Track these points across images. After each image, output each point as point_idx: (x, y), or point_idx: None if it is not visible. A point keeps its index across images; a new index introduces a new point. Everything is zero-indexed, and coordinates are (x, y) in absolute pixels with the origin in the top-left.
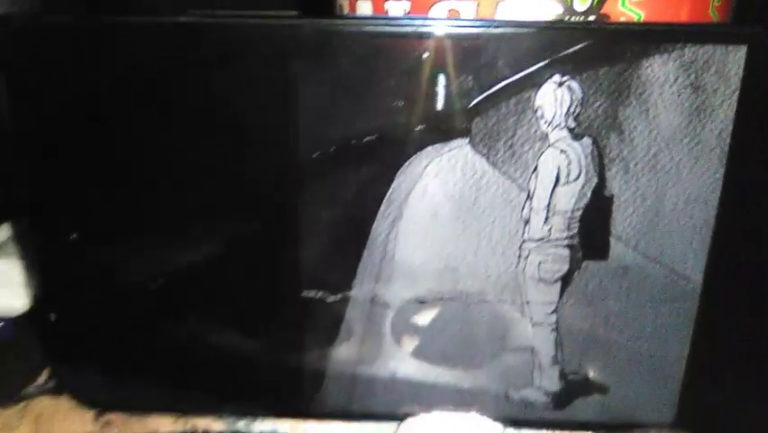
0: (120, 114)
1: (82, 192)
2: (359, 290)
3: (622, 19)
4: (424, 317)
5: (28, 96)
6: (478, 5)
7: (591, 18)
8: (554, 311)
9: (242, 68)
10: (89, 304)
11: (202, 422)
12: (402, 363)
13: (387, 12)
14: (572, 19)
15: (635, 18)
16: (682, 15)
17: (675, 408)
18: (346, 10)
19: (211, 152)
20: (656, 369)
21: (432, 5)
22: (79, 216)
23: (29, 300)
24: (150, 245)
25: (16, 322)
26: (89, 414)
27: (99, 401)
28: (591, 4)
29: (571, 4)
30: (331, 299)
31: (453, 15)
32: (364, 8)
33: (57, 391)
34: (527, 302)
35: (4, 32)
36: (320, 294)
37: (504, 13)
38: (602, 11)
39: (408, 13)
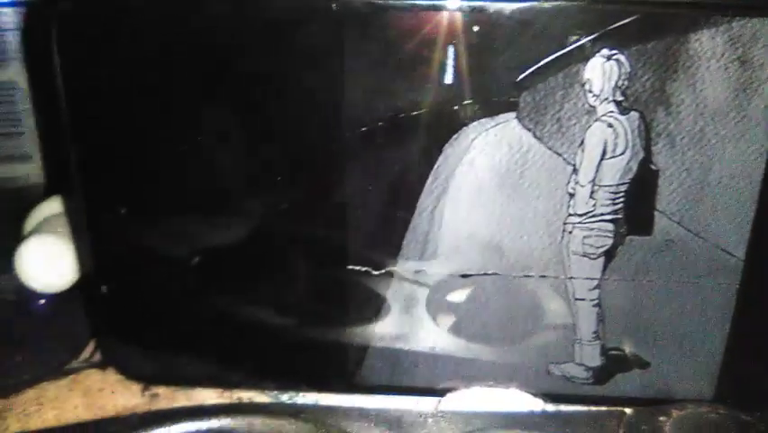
0: (168, 87)
1: (132, 167)
2: (403, 265)
3: None
4: (462, 293)
5: (81, 71)
6: None
7: None
8: (597, 287)
9: (287, 41)
10: (136, 278)
11: (246, 395)
12: (441, 338)
13: None
14: None
15: None
16: None
17: (715, 383)
18: None
19: (257, 125)
20: (697, 344)
21: None
22: (129, 190)
23: (75, 275)
24: (196, 220)
25: (60, 297)
26: (137, 387)
27: (145, 375)
28: None
29: None
30: (376, 273)
31: None
32: None
33: (103, 364)
34: (570, 277)
35: (60, 12)
36: (365, 268)
37: None
38: None
39: None
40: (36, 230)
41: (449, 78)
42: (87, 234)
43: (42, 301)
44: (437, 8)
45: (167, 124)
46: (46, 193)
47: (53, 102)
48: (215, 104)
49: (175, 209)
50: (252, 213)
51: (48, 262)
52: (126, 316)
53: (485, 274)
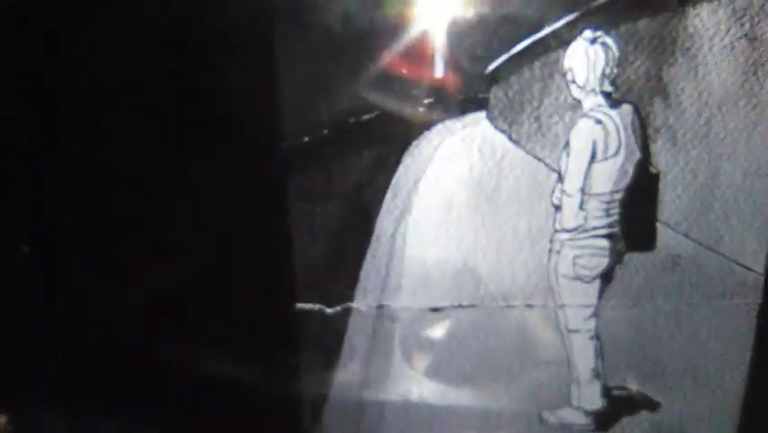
0: (73, 99)
1: (39, 197)
2: (362, 300)
3: None
4: (438, 329)
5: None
6: None
7: None
8: (593, 315)
9: (208, 32)
10: (51, 332)
11: None
12: (415, 383)
13: None
14: None
15: None
16: None
17: (737, 423)
18: None
19: (176, 141)
20: (714, 377)
21: None
22: (35, 224)
23: None
24: (114, 263)
25: None
26: None
27: None
28: None
29: None
30: (330, 311)
31: None
32: None
33: None
34: (561, 306)
35: None
36: (317, 306)
37: None
38: None
39: None
40: None
41: (404, 73)
42: None
43: None
44: None
45: (76, 147)
46: None
47: None
48: (126, 117)
49: (92, 248)
50: (178, 247)
51: None
52: (41, 378)
53: (460, 306)
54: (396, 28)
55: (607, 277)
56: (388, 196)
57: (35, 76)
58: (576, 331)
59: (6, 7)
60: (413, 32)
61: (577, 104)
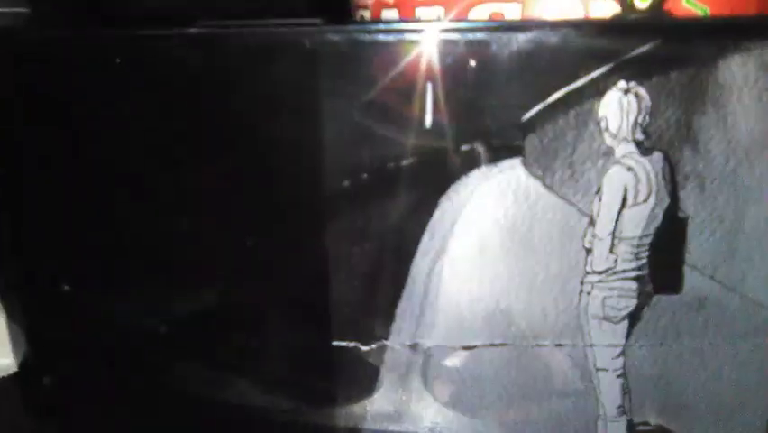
0: (121, 139)
1: (77, 232)
2: (397, 337)
3: None
4: (470, 365)
5: (12, 125)
6: (523, 6)
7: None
8: (621, 354)
9: (257, 83)
10: (85, 363)
11: None
12: (445, 416)
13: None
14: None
15: (701, 15)
16: (750, 11)
17: None
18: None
19: (223, 181)
20: (736, 415)
21: (470, 9)
22: (73, 262)
23: (14, 360)
24: (155, 295)
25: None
26: None
27: None
28: (653, 0)
29: (631, 2)
30: (366, 348)
31: (497, 19)
32: (390, 17)
33: None
34: (590, 345)
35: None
36: (353, 343)
37: (555, 14)
38: (665, 8)
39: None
40: None
41: (443, 121)
42: (24, 314)
43: None
44: (427, 41)
45: (115, 180)
46: None
47: None
48: (173, 160)
49: (130, 282)
50: (219, 284)
51: None
52: (74, 407)
53: (491, 345)
54: (435, 78)
55: (635, 318)
56: (425, 238)
57: None
58: (604, 369)
59: None
60: (452, 82)
61: (609, 151)
